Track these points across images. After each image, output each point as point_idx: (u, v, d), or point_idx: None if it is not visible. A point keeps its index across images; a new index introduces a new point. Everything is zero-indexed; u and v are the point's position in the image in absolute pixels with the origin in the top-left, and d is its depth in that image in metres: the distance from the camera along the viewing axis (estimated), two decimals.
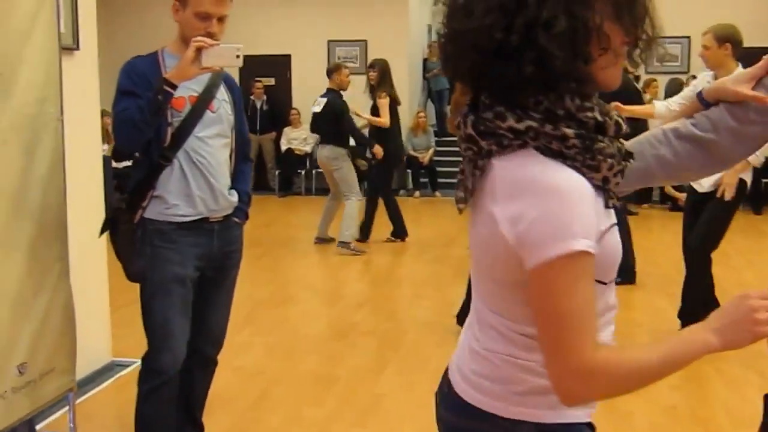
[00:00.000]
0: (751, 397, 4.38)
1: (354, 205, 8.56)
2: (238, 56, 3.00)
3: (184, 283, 3.17)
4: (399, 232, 8.99)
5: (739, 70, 4.93)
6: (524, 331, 1.36)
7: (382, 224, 9.00)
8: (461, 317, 5.52)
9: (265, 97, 13.73)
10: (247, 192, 3.48)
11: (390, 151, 8.74)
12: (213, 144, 3.22)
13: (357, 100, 13.11)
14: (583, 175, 1.28)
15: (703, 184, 5.20)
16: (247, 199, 3.46)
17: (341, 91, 8.75)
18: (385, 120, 8.59)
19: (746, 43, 13.40)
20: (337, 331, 5.59)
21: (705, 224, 5.22)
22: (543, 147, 1.29)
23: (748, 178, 5.23)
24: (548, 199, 1.24)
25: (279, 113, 13.77)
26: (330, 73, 8.79)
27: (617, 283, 5.56)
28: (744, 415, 4.12)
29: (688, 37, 12.86)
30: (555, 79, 1.27)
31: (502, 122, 1.31)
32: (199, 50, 2.94)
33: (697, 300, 5.24)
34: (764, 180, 11.38)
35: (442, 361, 5.27)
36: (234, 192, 3.36)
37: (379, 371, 4.75)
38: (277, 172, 13.65)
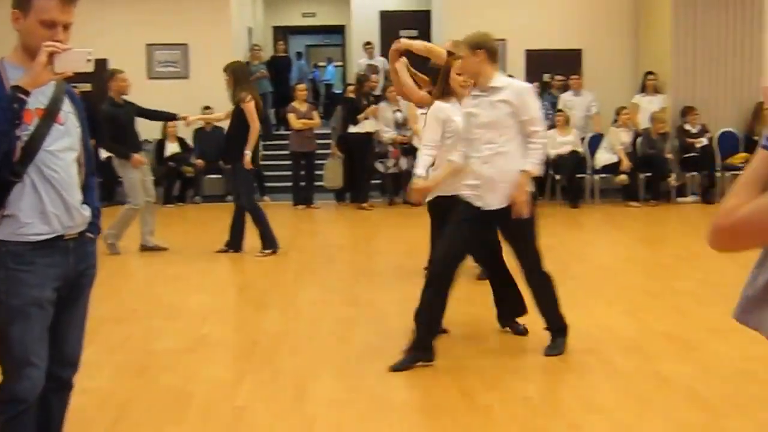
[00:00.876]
0: (597, 384, 4.62)
1: (128, 212, 8.65)
2: (89, 60, 2.91)
3: (42, 307, 3.00)
4: (235, 244, 8.62)
5: (499, 77, 4.94)
6: None
7: (221, 232, 8.84)
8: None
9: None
10: (97, 206, 3.36)
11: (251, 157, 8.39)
12: (64, 158, 3.07)
13: (177, 106, 12.85)
14: None
15: (489, 203, 4.86)
16: (98, 214, 3.35)
17: (122, 96, 8.78)
18: (255, 125, 8.27)
19: (558, 46, 13.99)
20: (187, 345, 5.43)
21: (525, 248, 5.00)
22: None
23: (532, 186, 4.98)
24: None
25: (96, 121, 13.21)
26: (106, 80, 8.62)
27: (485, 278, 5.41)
28: (593, 400, 4.34)
29: (504, 40, 13.42)
30: None
31: None
32: (50, 55, 2.82)
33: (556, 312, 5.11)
34: (578, 175, 12.04)
35: (297, 369, 5.27)
36: (86, 207, 3.22)
37: (236, 384, 4.65)
38: (98, 181, 13.10)
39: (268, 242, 8.49)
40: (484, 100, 4.87)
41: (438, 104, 5.34)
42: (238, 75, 8.48)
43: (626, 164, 11.93)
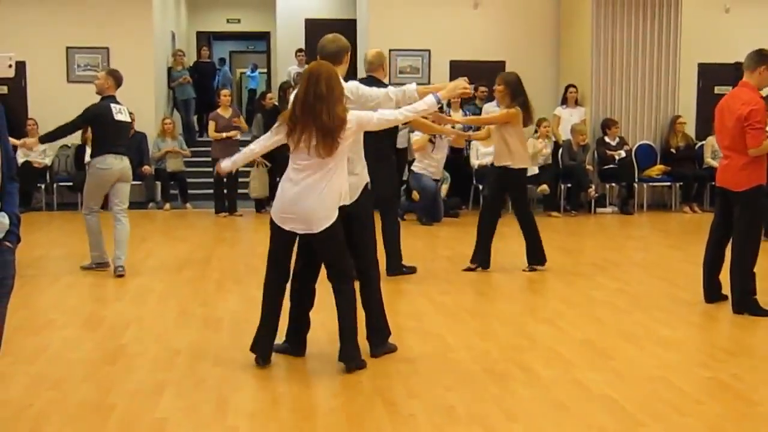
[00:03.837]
0: (518, 390, 4.69)
1: None
2: (10, 66, 2.85)
3: None
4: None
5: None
6: None
7: (141, 241, 8.67)
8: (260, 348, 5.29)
9: None
10: (16, 213, 3.27)
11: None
12: None
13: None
14: None
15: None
16: (17, 221, 3.26)
17: None
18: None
19: (482, 58, 14.13)
20: (106, 356, 5.33)
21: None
22: None
23: None
24: None
25: (14, 124, 12.87)
26: None
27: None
28: (514, 408, 4.41)
29: (428, 50, 13.57)
30: None
31: None
32: None
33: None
34: None
35: (219, 380, 5.21)
36: (4, 214, 3.14)
37: (157, 395, 4.57)
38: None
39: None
40: None
41: None
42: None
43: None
